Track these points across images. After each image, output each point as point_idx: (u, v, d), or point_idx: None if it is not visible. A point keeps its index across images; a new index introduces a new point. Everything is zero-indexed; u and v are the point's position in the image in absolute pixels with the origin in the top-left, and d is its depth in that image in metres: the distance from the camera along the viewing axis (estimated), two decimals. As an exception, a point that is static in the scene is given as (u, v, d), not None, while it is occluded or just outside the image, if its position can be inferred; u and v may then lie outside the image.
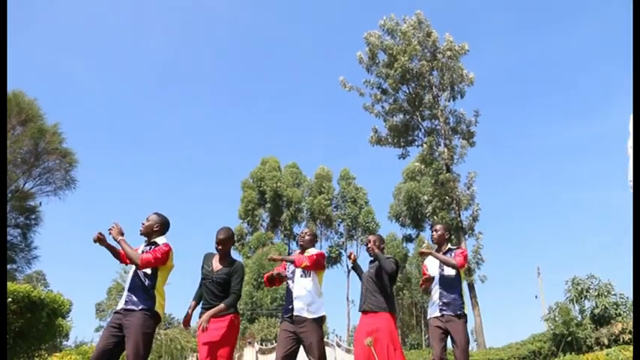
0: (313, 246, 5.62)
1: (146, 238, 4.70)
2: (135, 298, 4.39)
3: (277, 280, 5.39)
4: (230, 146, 73.77)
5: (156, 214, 4.80)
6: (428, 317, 5.50)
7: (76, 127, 68.44)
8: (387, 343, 5.09)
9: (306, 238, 5.60)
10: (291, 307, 5.09)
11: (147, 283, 4.48)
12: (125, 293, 4.46)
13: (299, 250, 5.55)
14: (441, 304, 5.30)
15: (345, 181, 41.52)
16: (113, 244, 4.59)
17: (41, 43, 71.12)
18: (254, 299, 32.19)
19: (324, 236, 40.62)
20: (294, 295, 5.13)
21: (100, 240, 4.49)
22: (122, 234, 4.55)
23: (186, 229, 63.24)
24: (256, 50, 76.65)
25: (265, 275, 5.51)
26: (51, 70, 71.08)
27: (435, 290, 5.41)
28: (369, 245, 5.56)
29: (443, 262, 5.40)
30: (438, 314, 5.29)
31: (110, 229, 4.53)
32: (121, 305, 4.41)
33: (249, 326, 29.32)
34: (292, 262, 5.35)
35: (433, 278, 5.44)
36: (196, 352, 20.30)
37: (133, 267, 4.54)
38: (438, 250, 5.57)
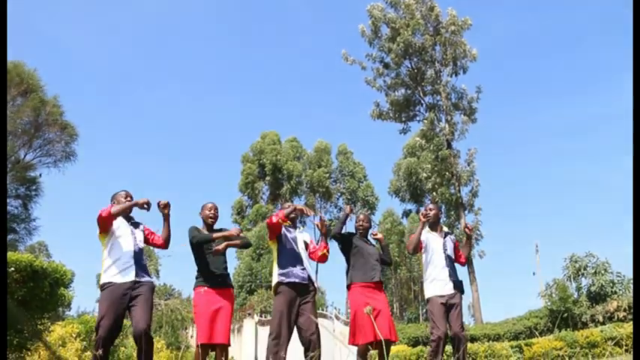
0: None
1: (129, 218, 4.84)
2: (143, 271, 4.61)
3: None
4: (231, 120, 73.58)
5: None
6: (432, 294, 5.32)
7: (74, 101, 67.83)
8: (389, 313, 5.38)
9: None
10: (303, 272, 4.99)
11: (145, 257, 4.82)
12: (133, 266, 4.51)
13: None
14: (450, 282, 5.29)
15: (343, 156, 41.55)
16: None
17: (37, 11, 70.28)
18: (253, 271, 32.41)
19: (323, 209, 40.81)
20: (304, 263, 5.06)
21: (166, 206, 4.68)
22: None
23: (187, 202, 63.32)
24: (257, 23, 75.81)
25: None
26: (47, 41, 70.42)
27: (444, 268, 5.35)
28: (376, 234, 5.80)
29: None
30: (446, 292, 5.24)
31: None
32: (130, 278, 4.45)
33: (248, 298, 29.60)
34: (325, 243, 5.28)
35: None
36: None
37: (137, 242, 4.68)
38: (434, 229, 5.56)
